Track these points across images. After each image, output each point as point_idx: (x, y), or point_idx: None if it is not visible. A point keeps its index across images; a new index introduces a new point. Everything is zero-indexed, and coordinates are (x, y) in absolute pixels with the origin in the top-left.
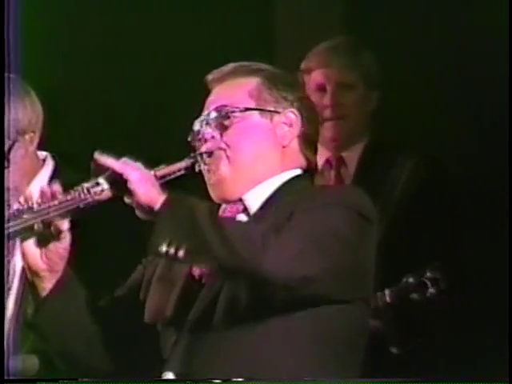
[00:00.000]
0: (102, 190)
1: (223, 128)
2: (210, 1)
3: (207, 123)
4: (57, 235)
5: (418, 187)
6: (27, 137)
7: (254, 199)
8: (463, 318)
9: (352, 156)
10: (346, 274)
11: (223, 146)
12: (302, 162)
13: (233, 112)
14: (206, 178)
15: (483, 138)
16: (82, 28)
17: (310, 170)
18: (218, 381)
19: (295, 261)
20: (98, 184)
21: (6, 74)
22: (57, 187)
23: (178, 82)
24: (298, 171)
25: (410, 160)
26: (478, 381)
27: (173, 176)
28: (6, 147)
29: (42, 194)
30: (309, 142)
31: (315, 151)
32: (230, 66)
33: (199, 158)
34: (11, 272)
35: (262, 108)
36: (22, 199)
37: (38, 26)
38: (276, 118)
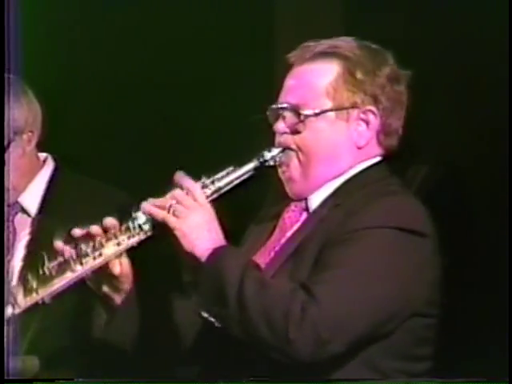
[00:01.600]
0: (153, 227)
1: (297, 128)
2: (211, 1)
3: (283, 117)
4: (112, 276)
5: (430, 193)
6: (25, 136)
7: (317, 199)
8: (463, 318)
9: None
10: (395, 306)
11: (295, 147)
12: (380, 151)
13: (307, 116)
14: (279, 174)
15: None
16: (82, 28)
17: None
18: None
19: (323, 342)
20: (150, 220)
21: (5, 75)
22: (111, 224)
23: (178, 81)
24: (371, 161)
25: (424, 166)
26: (478, 381)
27: (239, 180)
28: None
29: (95, 233)
30: (389, 131)
31: (396, 137)
32: (312, 46)
33: (269, 156)
34: (11, 272)
35: (338, 108)
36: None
37: (37, 26)
38: (353, 114)
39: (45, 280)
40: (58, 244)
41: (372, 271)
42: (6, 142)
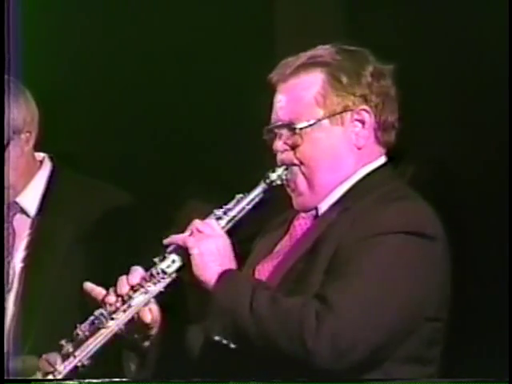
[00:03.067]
0: (178, 268)
1: (294, 143)
2: (211, 1)
3: (279, 136)
4: (143, 325)
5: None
6: (23, 136)
7: (326, 205)
8: (463, 318)
9: None
10: (409, 311)
11: (297, 162)
12: (381, 151)
13: (302, 128)
14: (287, 189)
15: (486, 140)
16: (81, 28)
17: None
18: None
19: (341, 352)
20: (174, 262)
21: (5, 76)
22: (136, 276)
23: (177, 81)
24: (375, 164)
25: (413, 162)
26: (478, 381)
27: (251, 205)
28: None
29: (121, 293)
30: (386, 127)
31: (394, 132)
32: (291, 62)
33: (275, 176)
34: (11, 273)
35: (330, 115)
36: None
37: (36, 27)
38: (347, 117)
39: (80, 342)
40: (96, 290)
41: (386, 279)
42: (5, 142)
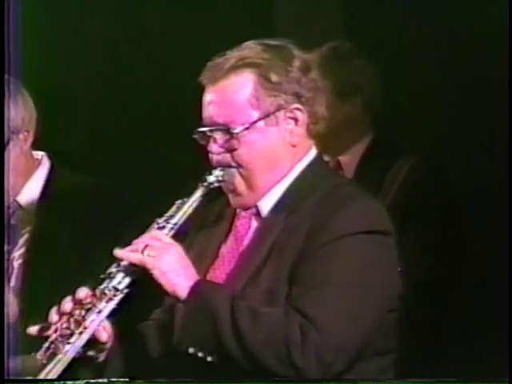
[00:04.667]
0: (129, 284)
1: (231, 147)
2: (211, 2)
3: (213, 139)
4: (99, 343)
5: (414, 189)
6: (21, 136)
7: (267, 204)
8: (463, 318)
9: (349, 159)
10: (383, 308)
11: (234, 164)
12: (311, 142)
13: (237, 132)
14: (224, 189)
15: (483, 139)
16: (80, 28)
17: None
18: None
19: (328, 363)
20: (124, 278)
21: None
22: (83, 294)
23: (176, 81)
24: (307, 159)
25: (407, 162)
26: (478, 381)
27: (191, 209)
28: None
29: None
30: (316, 120)
31: (323, 123)
32: (219, 63)
33: (213, 179)
34: (10, 270)
35: (265, 115)
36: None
37: (36, 26)
38: (281, 115)
39: (39, 369)
40: (33, 329)
41: (355, 282)
42: (5, 141)
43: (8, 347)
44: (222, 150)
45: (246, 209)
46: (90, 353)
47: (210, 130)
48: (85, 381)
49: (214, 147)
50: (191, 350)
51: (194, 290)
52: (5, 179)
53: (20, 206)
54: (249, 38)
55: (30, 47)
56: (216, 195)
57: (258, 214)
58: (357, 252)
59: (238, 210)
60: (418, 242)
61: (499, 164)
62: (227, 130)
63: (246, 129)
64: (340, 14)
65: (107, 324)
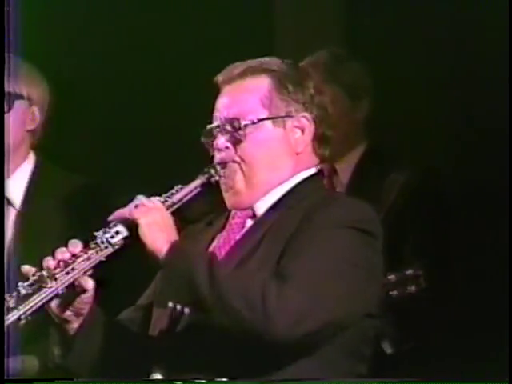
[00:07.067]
0: (124, 239)
1: (237, 140)
2: (211, 2)
3: (221, 133)
4: (82, 292)
5: (411, 196)
6: (34, 108)
7: (263, 206)
8: (463, 318)
9: (345, 165)
10: (356, 304)
11: (237, 159)
12: (315, 160)
13: (246, 125)
14: (222, 188)
15: (479, 146)
16: (80, 27)
17: (323, 168)
18: (204, 381)
19: (297, 320)
20: (117, 233)
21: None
22: (75, 245)
23: (176, 81)
24: (310, 171)
25: (404, 169)
26: (478, 381)
27: (189, 196)
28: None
29: (63, 258)
30: (322, 140)
31: (329, 147)
32: (239, 65)
33: (213, 171)
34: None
35: (274, 116)
36: (45, 268)
37: (36, 24)
38: (289, 122)
39: (23, 298)
40: (26, 268)
41: (338, 269)
42: (6, 109)
43: (8, 347)
44: (227, 143)
45: (242, 209)
46: (67, 313)
47: (219, 125)
48: (81, 380)
49: (220, 141)
50: (170, 304)
51: (174, 244)
52: (5, 180)
53: (7, 199)
54: (249, 37)
55: (30, 47)
56: (213, 198)
57: (253, 216)
58: (346, 244)
59: (233, 212)
60: (415, 248)
61: (496, 173)
62: (235, 123)
63: (254, 123)
64: (339, 13)
65: (92, 282)
